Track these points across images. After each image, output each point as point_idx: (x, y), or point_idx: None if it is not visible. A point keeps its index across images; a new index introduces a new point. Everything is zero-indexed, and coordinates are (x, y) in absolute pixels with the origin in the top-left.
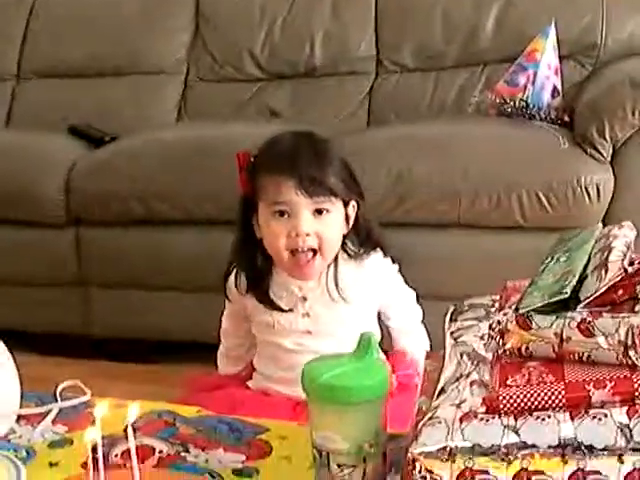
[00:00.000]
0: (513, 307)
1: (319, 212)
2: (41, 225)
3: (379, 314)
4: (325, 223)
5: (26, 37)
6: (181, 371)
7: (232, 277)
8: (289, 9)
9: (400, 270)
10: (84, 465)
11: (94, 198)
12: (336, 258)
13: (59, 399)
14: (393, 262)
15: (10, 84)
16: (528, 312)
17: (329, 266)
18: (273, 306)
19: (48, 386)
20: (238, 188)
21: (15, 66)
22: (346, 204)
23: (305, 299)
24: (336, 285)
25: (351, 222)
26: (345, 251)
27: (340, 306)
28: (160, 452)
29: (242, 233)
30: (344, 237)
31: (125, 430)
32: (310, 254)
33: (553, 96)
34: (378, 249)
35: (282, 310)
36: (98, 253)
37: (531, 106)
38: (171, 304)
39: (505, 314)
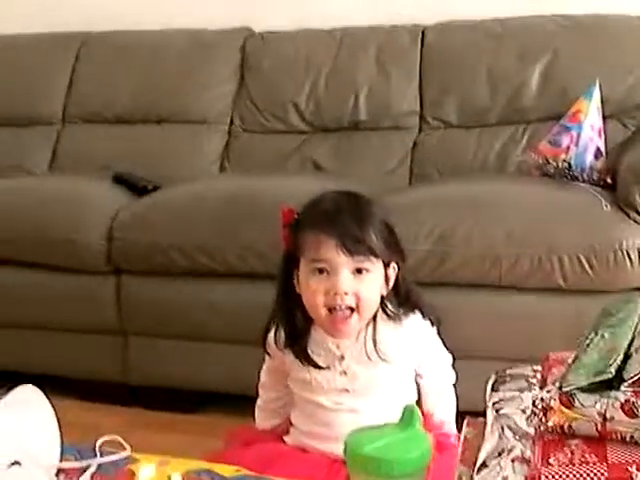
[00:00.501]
0: (557, 384)
1: (359, 271)
2: (82, 272)
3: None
4: (364, 283)
5: (72, 81)
6: (219, 422)
7: (272, 332)
8: (334, 62)
9: (439, 332)
10: None
11: (136, 248)
12: (375, 318)
13: (99, 454)
14: (432, 324)
15: (55, 128)
16: (572, 390)
17: (368, 326)
18: (310, 363)
19: (87, 433)
20: (281, 243)
21: (61, 110)
22: (387, 265)
23: (343, 357)
24: (374, 345)
25: (391, 283)
26: (384, 312)
27: (378, 366)
28: None
29: (283, 289)
30: (383, 298)
31: None
32: (347, 312)
33: (596, 157)
34: (417, 311)
35: (319, 367)
36: (138, 302)
37: (574, 167)
38: (210, 356)
39: (548, 391)
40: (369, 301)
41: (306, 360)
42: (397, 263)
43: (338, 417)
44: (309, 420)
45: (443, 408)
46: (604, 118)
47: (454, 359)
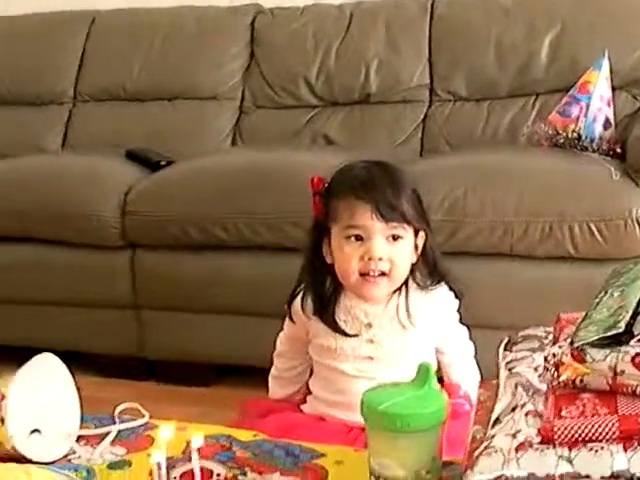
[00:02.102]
0: (568, 340)
1: (393, 238)
2: (97, 248)
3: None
4: (397, 249)
5: (83, 61)
6: (234, 394)
7: (298, 299)
8: (343, 37)
9: (459, 307)
10: None
11: (150, 222)
12: (407, 287)
13: (117, 421)
14: (456, 297)
15: (67, 107)
16: (583, 345)
17: (400, 294)
18: (338, 330)
19: (103, 407)
20: (294, 214)
21: (72, 89)
22: (416, 234)
23: (370, 325)
24: (407, 313)
25: (419, 252)
26: (414, 281)
27: (404, 334)
28: (218, 475)
29: (312, 257)
30: (413, 267)
31: (184, 452)
32: (380, 276)
33: (605, 128)
34: (443, 282)
35: (346, 335)
36: (153, 276)
37: (583, 137)
38: (225, 328)
39: (560, 347)
40: (401, 267)
41: (334, 327)
42: (425, 232)
43: (358, 384)
44: (328, 388)
45: (467, 381)
46: (613, 90)
47: (469, 331)
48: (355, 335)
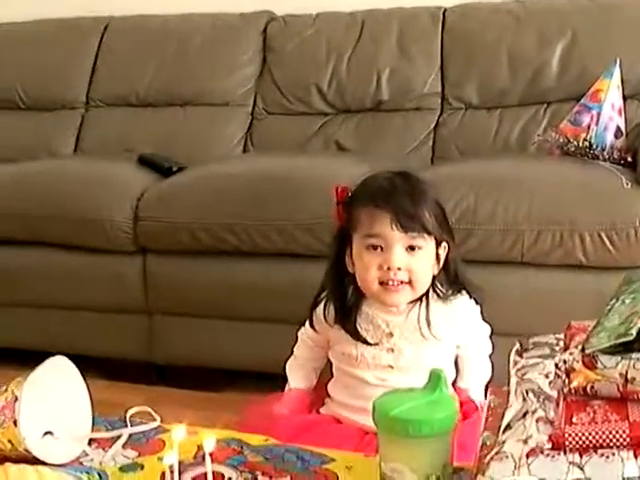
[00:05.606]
0: (579, 347)
1: (412, 248)
2: (109, 252)
3: None
4: (417, 259)
5: (96, 66)
6: (244, 399)
7: (321, 307)
8: (355, 44)
9: (481, 310)
10: None
11: (162, 227)
12: (427, 297)
13: (129, 424)
14: (476, 303)
15: (79, 112)
16: (594, 352)
17: (420, 305)
18: (360, 339)
19: (114, 411)
20: (305, 220)
21: (84, 94)
22: (438, 244)
23: (391, 335)
24: (428, 323)
25: (441, 263)
26: (435, 291)
27: (424, 344)
28: (229, 479)
29: (335, 265)
30: (434, 277)
31: (195, 457)
32: (400, 284)
33: (616, 136)
34: (464, 290)
35: (368, 343)
36: (164, 282)
37: (594, 146)
38: (236, 334)
39: (571, 353)
40: (421, 277)
41: (356, 336)
42: (447, 242)
43: (378, 392)
44: (348, 393)
45: (474, 374)
46: (624, 98)
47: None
48: (376, 344)
